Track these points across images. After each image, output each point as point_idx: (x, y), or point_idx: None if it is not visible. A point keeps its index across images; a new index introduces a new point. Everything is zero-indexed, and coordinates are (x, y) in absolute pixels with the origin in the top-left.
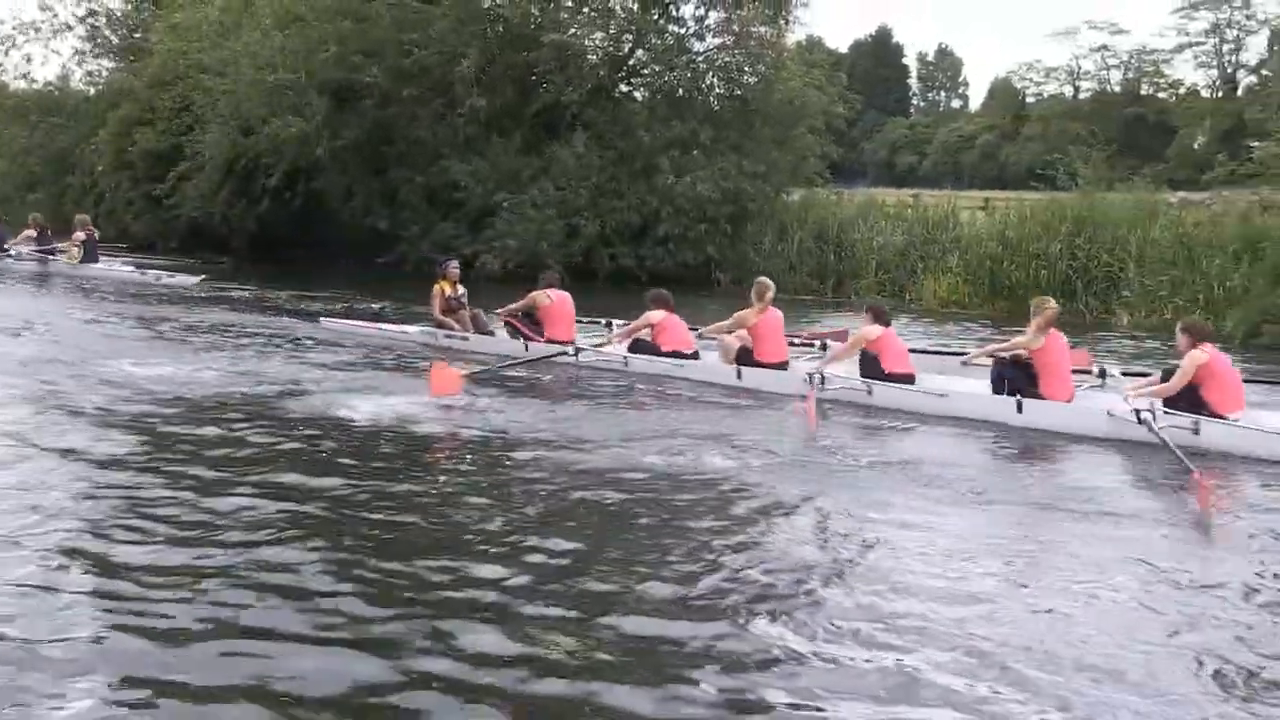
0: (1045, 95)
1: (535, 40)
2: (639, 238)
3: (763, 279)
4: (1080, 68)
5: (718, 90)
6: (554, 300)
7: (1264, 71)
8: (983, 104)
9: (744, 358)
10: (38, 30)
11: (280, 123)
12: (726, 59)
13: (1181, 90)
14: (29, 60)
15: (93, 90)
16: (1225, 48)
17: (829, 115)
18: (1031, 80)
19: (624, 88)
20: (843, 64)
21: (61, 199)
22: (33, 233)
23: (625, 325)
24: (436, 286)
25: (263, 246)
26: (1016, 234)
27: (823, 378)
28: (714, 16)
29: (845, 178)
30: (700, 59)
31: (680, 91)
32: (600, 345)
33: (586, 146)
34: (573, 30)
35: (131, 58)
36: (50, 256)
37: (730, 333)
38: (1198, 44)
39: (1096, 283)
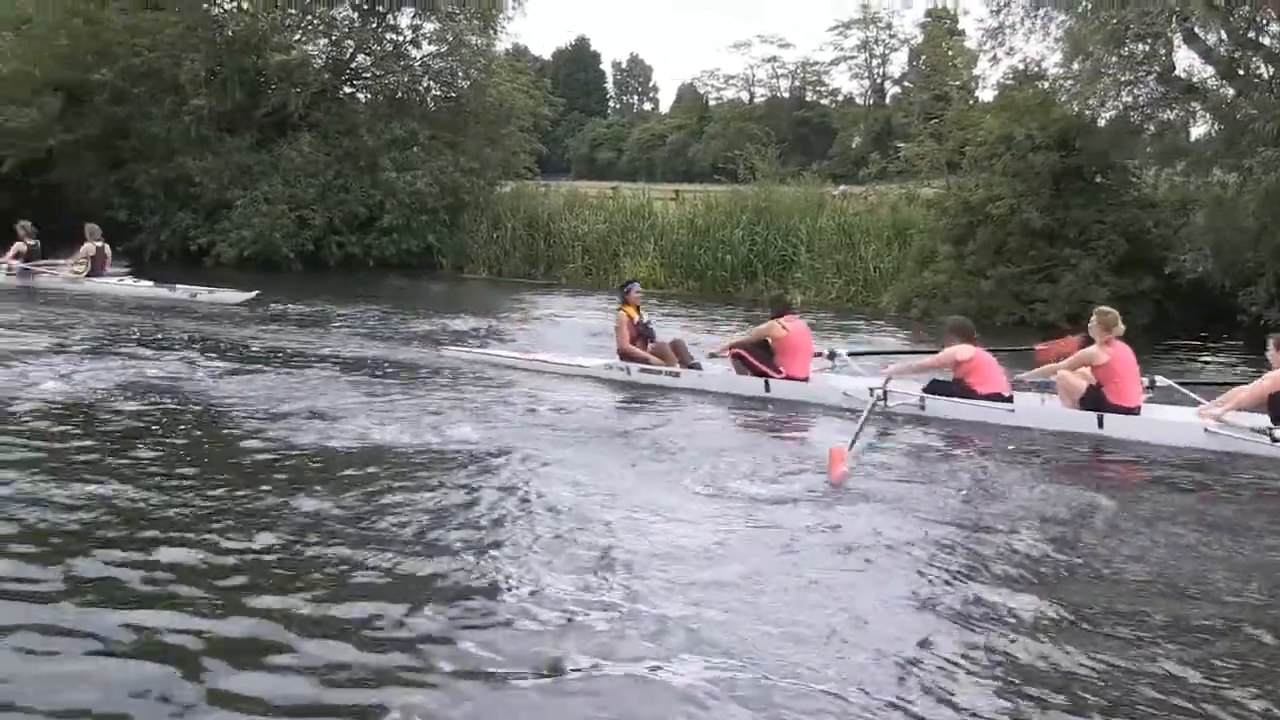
0: (725, 99)
1: (263, 47)
2: (365, 228)
3: (1105, 309)
4: (754, 76)
5: (435, 93)
6: (790, 331)
7: (905, 83)
8: (671, 106)
9: (1093, 399)
10: None
11: (12, 111)
12: (441, 65)
13: (840, 98)
14: None
15: None
16: (874, 62)
17: (535, 116)
18: (713, 86)
19: (347, 89)
20: (547, 70)
21: None
22: (22, 246)
23: (917, 358)
24: (620, 314)
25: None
26: (704, 222)
27: None
28: (429, 26)
29: (551, 172)
30: (418, 64)
31: (400, 94)
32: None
33: (312, 145)
34: (297, 37)
35: None
36: (40, 271)
37: (1072, 370)
38: (852, 58)
39: (773, 265)
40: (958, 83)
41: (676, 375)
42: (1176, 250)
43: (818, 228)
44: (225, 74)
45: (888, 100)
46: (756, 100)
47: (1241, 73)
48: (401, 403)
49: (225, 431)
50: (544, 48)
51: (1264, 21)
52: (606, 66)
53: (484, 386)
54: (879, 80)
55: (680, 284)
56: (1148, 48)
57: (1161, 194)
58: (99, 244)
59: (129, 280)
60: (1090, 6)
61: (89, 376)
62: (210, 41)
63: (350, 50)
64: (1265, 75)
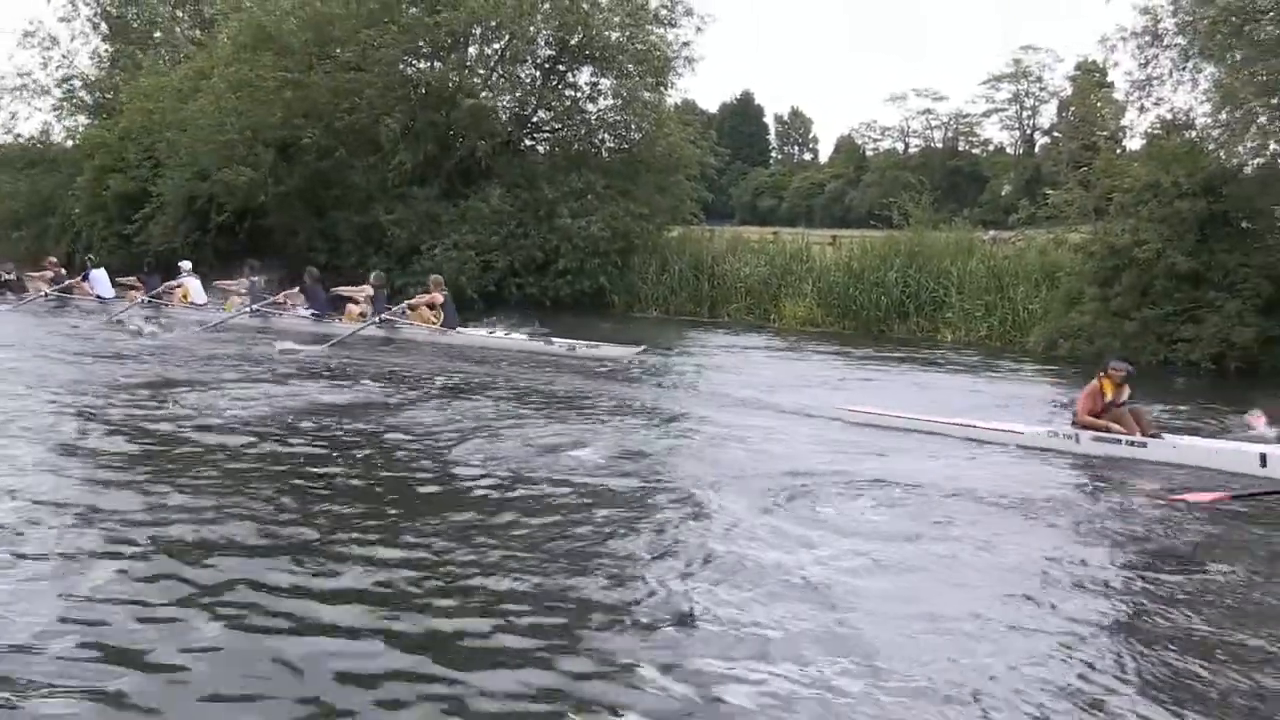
0: (881, 149)
1: (452, 101)
2: (542, 270)
3: None
4: (909, 127)
5: (609, 144)
6: None
7: (1054, 133)
8: (830, 156)
9: None
10: (17, 92)
11: (231, 172)
12: (616, 118)
13: (991, 147)
14: (14, 117)
15: (70, 143)
16: (1024, 114)
17: (702, 165)
18: (870, 137)
19: (528, 142)
20: (713, 122)
21: (41, 237)
22: (49, 273)
23: None
24: (1094, 384)
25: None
26: (860, 265)
27: None
28: (605, 83)
29: (716, 218)
30: (594, 118)
31: (576, 146)
32: None
33: (500, 199)
34: (484, 94)
35: (105, 115)
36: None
37: None
38: (1002, 110)
39: (925, 306)
40: (1105, 132)
41: (1143, 446)
42: None
43: (968, 270)
44: (419, 128)
45: (1037, 150)
46: (911, 150)
47: None
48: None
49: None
50: (711, 101)
51: None
52: (769, 119)
53: (900, 453)
54: (1029, 130)
55: (836, 323)
56: None
57: None
58: (444, 293)
59: (499, 332)
60: (1242, 58)
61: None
62: (406, 99)
63: (532, 106)
64: None
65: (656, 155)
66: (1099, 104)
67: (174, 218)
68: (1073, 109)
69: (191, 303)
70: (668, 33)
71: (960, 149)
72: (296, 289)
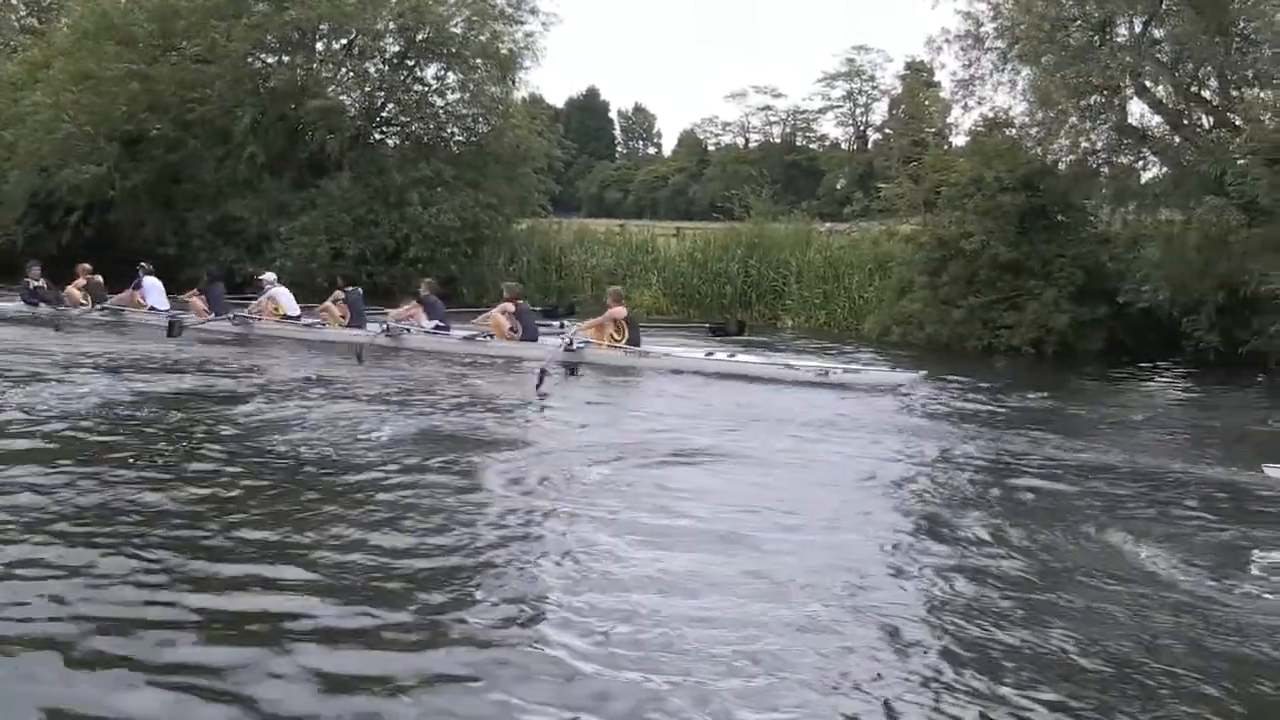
0: (722, 144)
1: (300, 96)
2: (393, 259)
3: None
4: (749, 123)
5: (458, 137)
6: None
7: (885, 130)
8: (673, 150)
9: None
10: None
11: (73, 170)
12: (464, 111)
13: (827, 143)
14: None
15: None
16: (858, 111)
17: (549, 158)
18: (711, 132)
19: (378, 135)
20: (559, 116)
21: None
22: (82, 280)
23: None
24: None
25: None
26: (703, 255)
27: None
28: (452, 77)
29: (563, 210)
30: (442, 111)
31: (426, 139)
32: None
33: (350, 182)
34: (331, 89)
35: None
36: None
37: None
38: (837, 107)
39: (766, 295)
40: (933, 129)
41: None
42: (1129, 281)
43: (806, 261)
44: (269, 122)
45: (870, 145)
46: (751, 145)
47: (1186, 123)
48: None
49: None
50: (558, 97)
51: (1205, 78)
52: (614, 114)
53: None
54: (862, 127)
55: (681, 311)
56: (1105, 100)
57: (1115, 231)
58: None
59: (720, 354)
60: (1054, 63)
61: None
62: (256, 93)
63: (381, 99)
64: (1206, 125)
65: (504, 148)
66: (926, 103)
67: (12, 215)
68: (902, 107)
69: (286, 316)
70: (515, 30)
71: (798, 144)
72: (414, 302)
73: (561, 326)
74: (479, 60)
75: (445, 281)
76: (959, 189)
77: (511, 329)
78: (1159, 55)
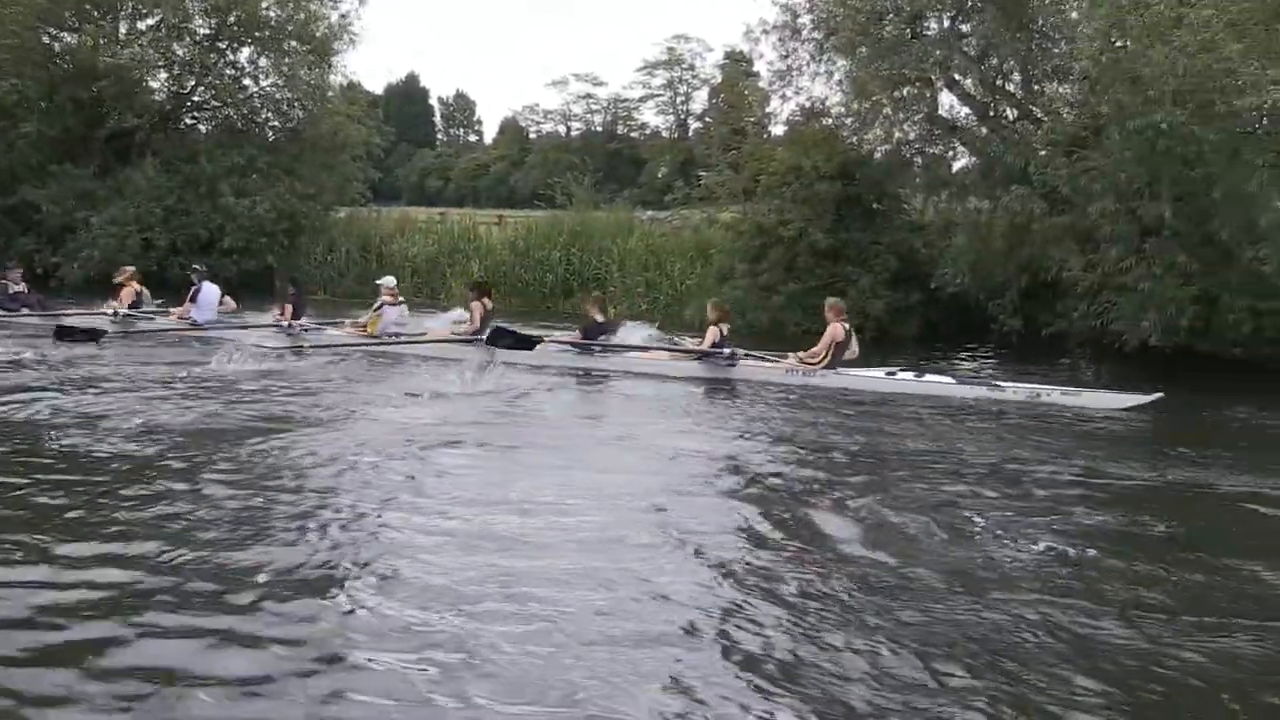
0: (544, 132)
1: (94, 74)
2: (207, 249)
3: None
4: (571, 111)
5: (273, 123)
6: None
7: (706, 118)
8: (495, 138)
9: None
10: None
11: None
12: (278, 96)
13: (648, 131)
14: None
15: None
16: (678, 100)
17: (368, 145)
18: (533, 120)
19: (189, 120)
20: (378, 103)
21: None
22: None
23: None
24: None
25: None
26: (525, 244)
27: None
28: (266, 60)
29: (383, 199)
30: (256, 96)
31: (240, 125)
32: None
33: (156, 170)
34: (127, 53)
35: None
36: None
37: None
38: (658, 95)
39: (588, 283)
40: (752, 119)
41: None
42: (940, 268)
43: (628, 249)
44: (60, 100)
45: (690, 134)
46: (573, 133)
47: (993, 115)
48: None
49: None
50: (376, 83)
51: (1009, 72)
52: (434, 101)
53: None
54: (683, 116)
55: (504, 301)
56: (917, 91)
57: (928, 219)
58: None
59: (907, 374)
60: (869, 55)
61: None
62: (44, 68)
63: (191, 83)
64: (1011, 118)
65: (321, 135)
66: (746, 92)
67: None
68: (722, 96)
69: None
70: (330, 11)
71: (619, 132)
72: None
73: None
74: (294, 43)
75: (260, 273)
76: (778, 178)
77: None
78: (967, 49)
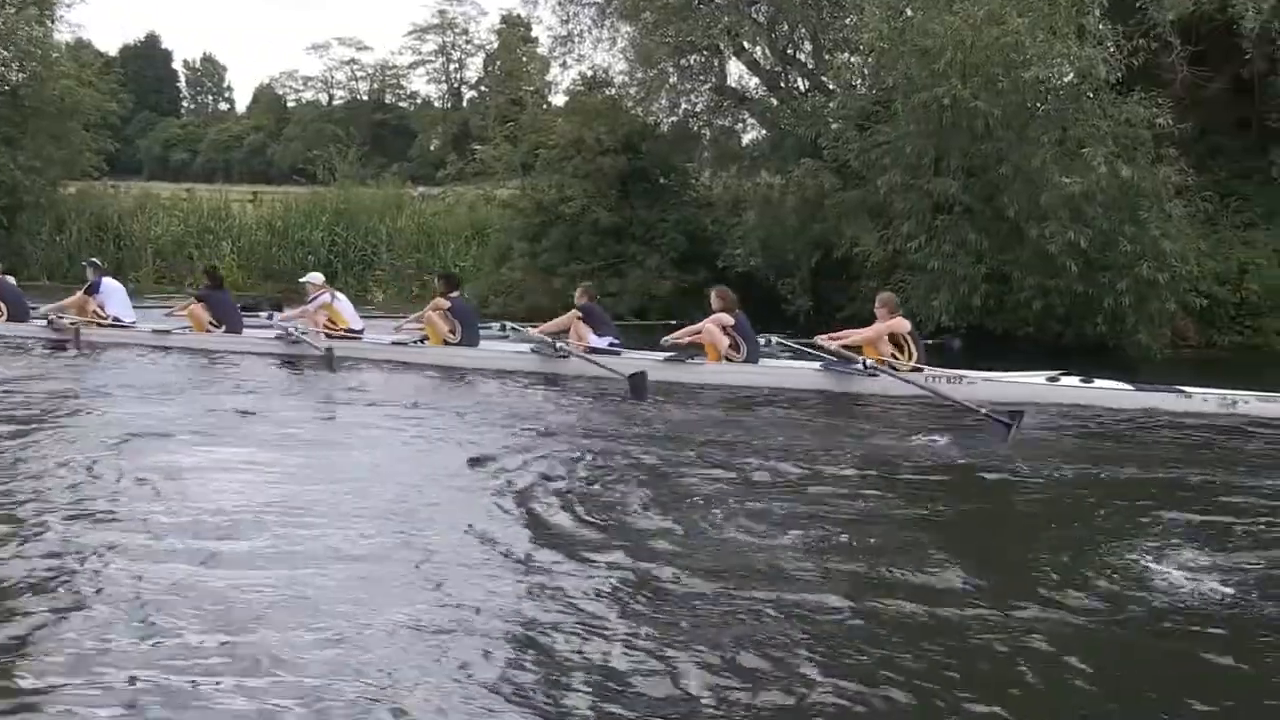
0: (304, 101)
1: None
2: None
3: None
4: (333, 78)
5: None
6: None
7: (482, 87)
8: (248, 107)
9: None
10: None
11: None
12: None
13: (418, 101)
14: None
15: None
16: (451, 66)
17: (102, 111)
18: (291, 87)
19: None
20: (113, 65)
21: None
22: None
23: None
24: None
25: None
26: (283, 223)
27: None
28: None
29: (122, 173)
30: None
31: None
32: None
33: None
34: None
35: None
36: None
37: None
38: (429, 62)
39: (354, 265)
40: (531, 88)
41: None
42: (729, 246)
43: (398, 228)
44: None
45: (465, 104)
46: (336, 102)
47: (783, 85)
48: None
49: None
50: (110, 43)
51: (800, 40)
52: (179, 65)
53: None
54: (456, 84)
55: (259, 285)
56: (704, 60)
57: (717, 194)
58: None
59: (1072, 380)
60: (653, 20)
61: None
62: None
63: None
64: (802, 88)
65: (47, 99)
66: (524, 59)
67: None
68: (499, 63)
69: (349, 330)
70: None
71: (387, 102)
72: (573, 312)
73: (270, 317)
74: None
75: None
76: (558, 151)
77: (450, 330)
78: (756, 16)
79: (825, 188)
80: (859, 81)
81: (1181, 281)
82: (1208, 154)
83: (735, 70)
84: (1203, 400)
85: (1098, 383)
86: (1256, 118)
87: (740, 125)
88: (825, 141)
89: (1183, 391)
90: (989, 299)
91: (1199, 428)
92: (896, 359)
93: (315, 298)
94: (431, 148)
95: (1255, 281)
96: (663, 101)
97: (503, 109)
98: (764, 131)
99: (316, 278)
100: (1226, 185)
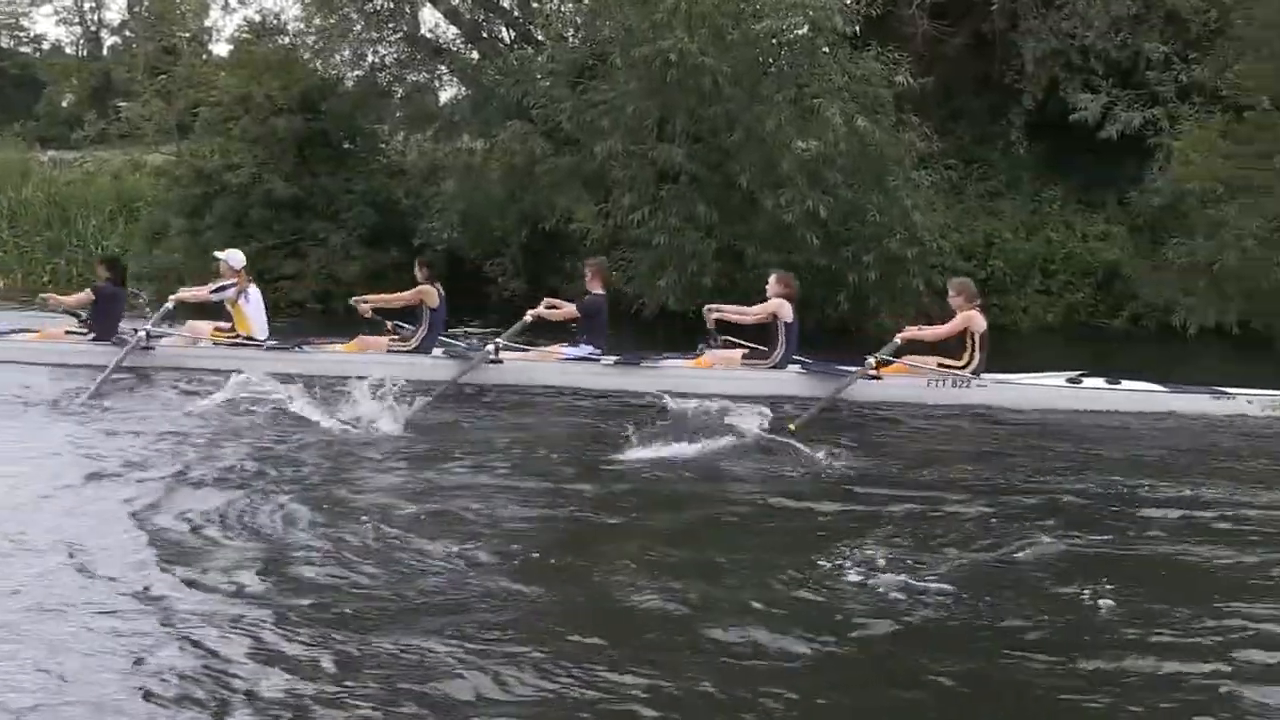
0: None
1: None
2: None
3: None
4: None
5: None
6: None
7: (126, 32)
8: None
9: None
10: None
11: None
12: None
13: (46, 46)
14: None
15: None
16: (87, 6)
17: None
18: None
19: None
20: None
21: None
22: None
23: None
24: None
25: None
26: None
27: None
28: None
29: None
30: None
31: None
32: None
33: None
34: None
35: None
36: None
37: None
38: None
39: None
40: (187, 34)
41: None
42: (427, 220)
43: (23, 200)
44: None
45: (106, 51)
46: None
47: (486, 37)
48: None
49: None
50: None
51: None
52: None
53: None
54: (94, 28)
55: None
56: (394, 6)
57: (410, 161)
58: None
59: (1126, 383)
60: None
61: None
62: None
63: None
64: (507, 40)
65: None
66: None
67: None
68: (147, 4)
69: (249, 338)
70: None
71: (6, 46)
72: (573, 307)
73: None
74: None
75: None
76: (222, 109)
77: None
78: None
79: (535, 154)
80: (571, 33)
81: (929, 256)
82: (950, 117)
83: (430, 18)
84: (1246, 403)
85: (1125, 384)
86: (997, 76)
87: (436, 82)
88: (534, 101)
89: (1224, 393)
90: (721, 278)
91: (1236, 431)
92: (954, 364)
93: (224, 287)
94: (64, 104)
95: (1000, 257)
96: (345, 53)
97: (152, 58)
98: (464, 89)
99: (237, 258)
100: (970, 151)
